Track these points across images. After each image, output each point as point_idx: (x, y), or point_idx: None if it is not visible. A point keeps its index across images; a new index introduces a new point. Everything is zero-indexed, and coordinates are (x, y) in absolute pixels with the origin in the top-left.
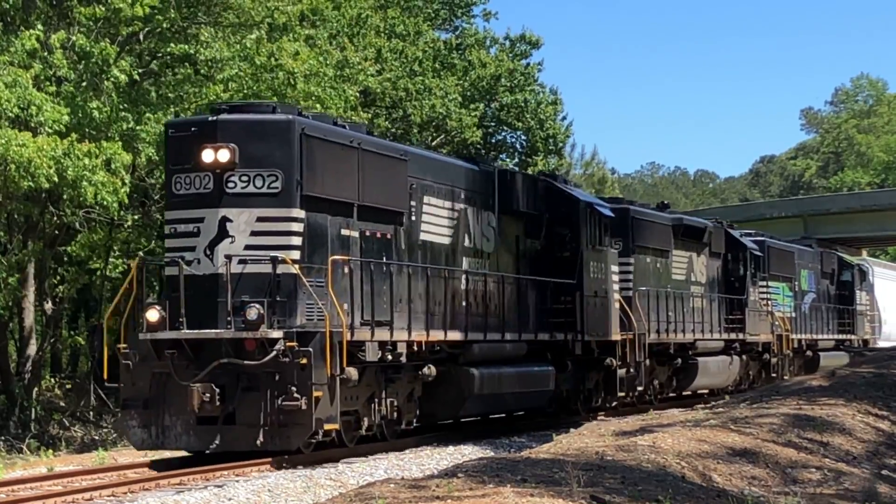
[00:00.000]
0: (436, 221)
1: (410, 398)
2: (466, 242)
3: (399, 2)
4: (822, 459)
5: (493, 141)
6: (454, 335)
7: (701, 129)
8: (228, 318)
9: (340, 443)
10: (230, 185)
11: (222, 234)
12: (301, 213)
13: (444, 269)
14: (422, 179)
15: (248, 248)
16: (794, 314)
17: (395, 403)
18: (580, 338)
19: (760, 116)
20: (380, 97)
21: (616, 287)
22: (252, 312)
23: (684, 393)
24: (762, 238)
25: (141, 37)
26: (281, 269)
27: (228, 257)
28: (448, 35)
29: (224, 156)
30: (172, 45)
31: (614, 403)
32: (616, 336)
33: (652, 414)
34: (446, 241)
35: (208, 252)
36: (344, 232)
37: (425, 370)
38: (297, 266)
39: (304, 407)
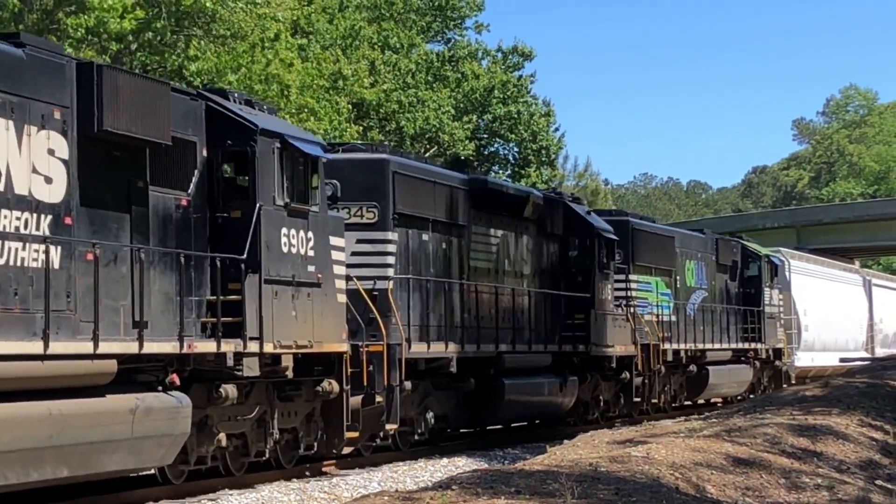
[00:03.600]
0: None
1: None
2: None
3: (392, 14)
4: (817, 469)
5: (486, 153)
6: None
7: (694, 140)
8: None
9: None
10: None
11: None
12: None
13: None
14: None
15: None
16: (673, 318)
17: None
18: (257, 349)
19: (753, 127)
20: (374, 108)
21: (342, 271)
22: None
23: (488, 428)
24: (625, 218)
25: (133, 48)
26: None
27: None
28: (441, 47)
29: None
30: (157, 57)
31: (348, 449)
32: (339, 346)
33: (646, 424)
34: None
35: None
36: None
37: None
38: None
39: None
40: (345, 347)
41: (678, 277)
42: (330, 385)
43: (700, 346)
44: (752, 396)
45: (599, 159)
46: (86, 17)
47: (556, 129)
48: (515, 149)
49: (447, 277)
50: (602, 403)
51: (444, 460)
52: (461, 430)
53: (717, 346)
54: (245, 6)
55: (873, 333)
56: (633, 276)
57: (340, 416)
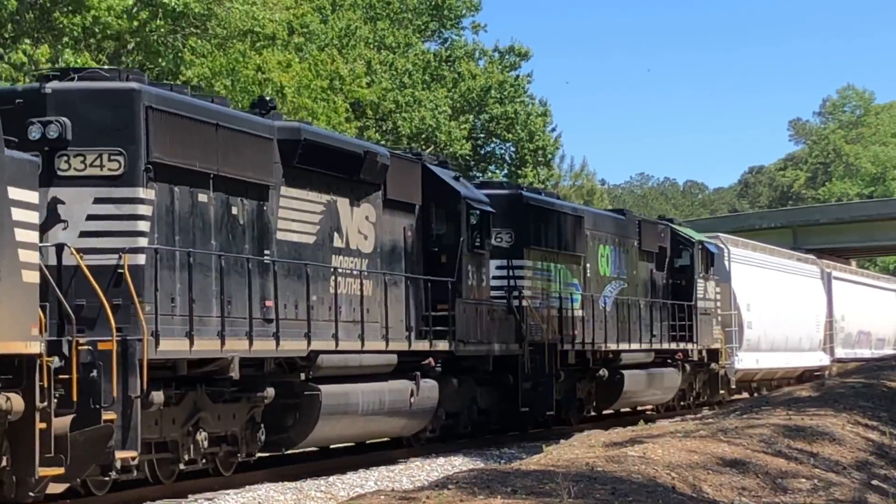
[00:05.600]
0: None
1: None
2: None
3: (388, 14)
4: (812, 469)
5: (483, 153)
6: None
7: (690, 140)
8: None
9: None
10: None
11: None
12: None
13: None
14: None
15: None
16: (579, 312)
17: None
18: None
19: (749, 128)
20: (373, 106)
21: (32, 238)
22: None
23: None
24: (517, 192)
25: (130, 48)
26: None
27: None
28: (437, 47)
29: None
30: (160, 60)
31: (60, 487)
32: (23, 346)
33: (642, 424)
34: None
35: None
36: None
37: None
38: None
39: None
40: (35, 348)
41: (588, 265)
42: (8, 402)
43: (612, 346)
44: (682, 404)
45: (596, 159)
46: (82, 16)
47: (553, 129)
48: (512, 149)
49: (239, 252)
50: (478, 413)
51: (441, 459)
52: (259, 455)
53: (634, 346)
54: (241, 5)
55: (833, 332)
56: (526, 262)
57: (31, 446)
